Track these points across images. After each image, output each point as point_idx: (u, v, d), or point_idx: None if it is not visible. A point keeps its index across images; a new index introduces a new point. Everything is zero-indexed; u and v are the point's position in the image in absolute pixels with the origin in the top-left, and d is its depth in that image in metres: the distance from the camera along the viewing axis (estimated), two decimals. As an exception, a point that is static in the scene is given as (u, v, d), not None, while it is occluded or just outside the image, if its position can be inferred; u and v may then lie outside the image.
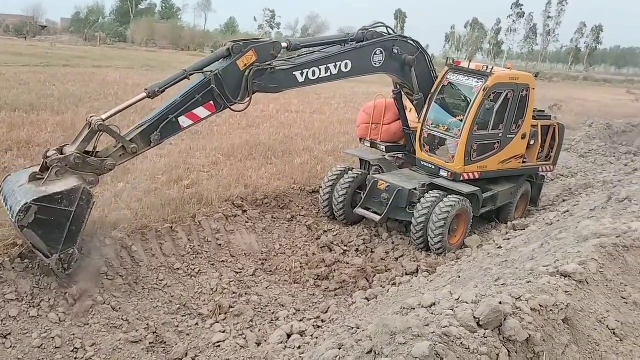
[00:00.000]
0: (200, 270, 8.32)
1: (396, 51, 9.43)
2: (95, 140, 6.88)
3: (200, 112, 7.51)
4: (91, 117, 6.86)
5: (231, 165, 11.96)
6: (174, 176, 10.62)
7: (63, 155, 6.61)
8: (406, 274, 8.79)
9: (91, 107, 16.90)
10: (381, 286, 8.40)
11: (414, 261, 9.36)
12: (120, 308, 7.01)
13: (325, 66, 8.54)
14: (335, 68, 8.65)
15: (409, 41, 9.80)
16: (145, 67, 33.10)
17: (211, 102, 7.51)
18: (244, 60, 7.59)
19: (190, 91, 7.35)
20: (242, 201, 10.18)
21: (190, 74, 7.44)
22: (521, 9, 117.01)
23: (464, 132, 9.69)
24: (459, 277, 7.00)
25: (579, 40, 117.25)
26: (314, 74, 8.42)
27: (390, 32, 9.67)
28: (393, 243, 10.14)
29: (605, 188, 11.72)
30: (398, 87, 10.47)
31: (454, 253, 9.47)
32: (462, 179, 9.95)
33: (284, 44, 8.20)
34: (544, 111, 12.44)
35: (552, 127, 11.88)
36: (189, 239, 8.72)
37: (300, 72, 8.29)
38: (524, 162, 11.17)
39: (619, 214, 6.96)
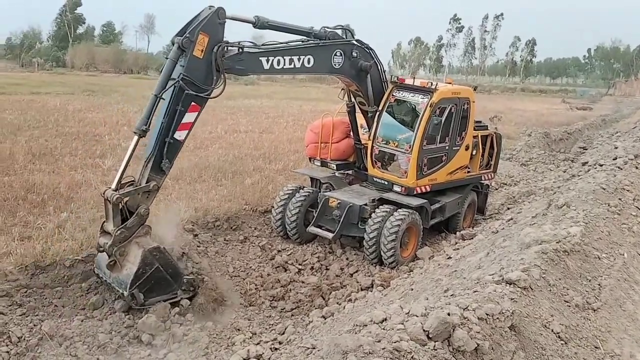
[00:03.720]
0: (151, 299, 8.05)
1: (355, 54, 9.60)
2: (122, 209, 7.14)
3: (189, 118, 7.46)
4: (105, 192, 7.15)
5: (180, 189, 11.75)
6: (120, 203, 10.31)
7: (111, 240, 7.06)
8: (361, 290, 8.82)
9: (31, 134, 16.32)
10: (337, 303, 8.38)
11: (369, 276, 9.41)
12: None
13: (290, 57, 8.56)
14: (299, 61, 8.71)
15: (365, 48, 9.96)
16: (87, 92, 32.27)
17: (192, 103, 7.41)
18: (199, 47, 7.33)
19: (170, 107, 7.24)
20: (193, 225, 10.00)
21: (163, 94, 7.27)
22: (459, 22, 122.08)
23: (414, 148, 9.94)
24: (412, 289, 7.10)
25: (514, 53, 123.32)
26: (278, 63, 8.41)
27: (349, 36, 9.81)
28: (347, 259, 10.17)
29: (546, 195, 12.22)
30: (351, 99, 10.62)
31: (407, 266, 9.60)
32: (415, 192, 10.16)
33: (252, 19, 8.13)
34: (481, 121, 12.93)
35: (490, 136, 12.38)
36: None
37: (266, 58, 8.24)
38: (468, 172, 11.54)
39: (558, 219, 7.27)
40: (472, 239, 9.85)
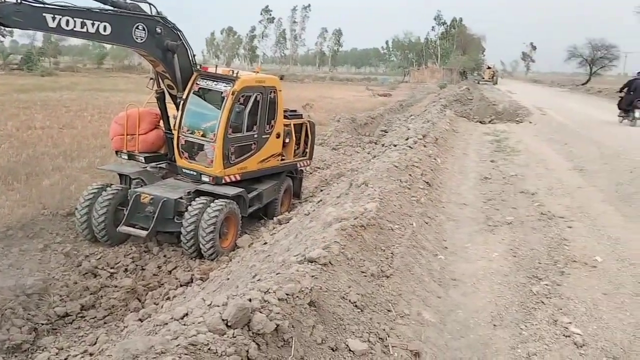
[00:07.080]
0: None
1: (159, 31, 9.20)
2: None
3: None
4: None
5: (-42, 198, 10.15)
6: None
7: None
8: (180, 286, 8.62)
9: None
10: (155, 303, 8.08)
11: (188, 271, 9.24)
12: None
13: (82, 20, 7.93)
14: (93, 27, 8.11)
15: (172, 28, 9.57)
16: None
17: None
18: None
19: None
20: (-22, 237, 8.73)
21: None
22: (270, 14, 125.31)
23: (218, 136, 9.92)
24: (228, 279, 7.14)
25: (323, 44, 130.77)
26: (67, 23, 7.74)
27: (155, 12, 9.32)
28: (165, 256, 9.84)
29: (351, 175, 13.23)
30: (160, 84, 10.21)
31: (227, 256, 9.64)
32: (223, 182, 10.16)
33: None
34: (295, 110, 13.50)
35: (304, 125, 12.99)
36: None
37: (52, 15, 7.52)
38: (282, 159, 11.95)
39: (358, 197, 7.92)
40: (288, 222, 10.23)
